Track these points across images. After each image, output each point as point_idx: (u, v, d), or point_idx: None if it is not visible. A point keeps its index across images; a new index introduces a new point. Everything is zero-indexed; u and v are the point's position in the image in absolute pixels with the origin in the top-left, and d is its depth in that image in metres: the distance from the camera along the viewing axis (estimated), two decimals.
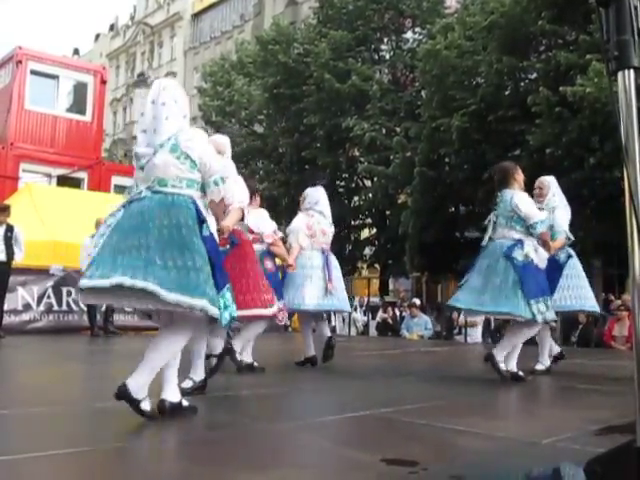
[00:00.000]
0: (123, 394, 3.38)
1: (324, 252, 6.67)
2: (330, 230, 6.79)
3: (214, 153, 3.72)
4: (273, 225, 6.20)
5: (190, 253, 3.36)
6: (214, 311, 3.35)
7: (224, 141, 4.99)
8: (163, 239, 3.37)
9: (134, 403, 3.39)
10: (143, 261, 3.33)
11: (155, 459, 2.85)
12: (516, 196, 5.46)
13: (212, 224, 3.72)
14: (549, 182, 6.25)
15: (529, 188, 5.90)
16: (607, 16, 1.96)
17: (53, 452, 2.80)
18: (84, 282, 3.42)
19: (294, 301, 6.36)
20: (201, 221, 3.49)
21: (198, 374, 4.28)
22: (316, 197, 6.81)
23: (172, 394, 3.55)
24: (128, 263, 3.34)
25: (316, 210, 6.69)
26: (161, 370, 3.52)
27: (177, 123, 3.63)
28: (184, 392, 3.85)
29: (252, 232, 5.92)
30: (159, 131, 3.59)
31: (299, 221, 6.61)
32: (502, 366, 5.34)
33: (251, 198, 6.00)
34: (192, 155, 3.56)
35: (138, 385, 3.39)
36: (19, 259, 9.72)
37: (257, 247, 5.92)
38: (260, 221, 6.05)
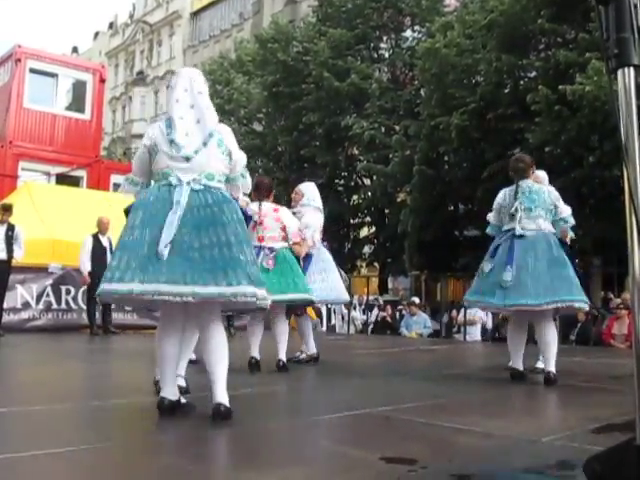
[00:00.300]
0: (229, 412, 3.39)
1: (326, 247, 6.91)
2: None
3: None
4: (297, 222, 6.25)
5: (251, 247, 3.51)
6: (267, 302, 3.47)
7: None
8: (238, 234, 3.40)
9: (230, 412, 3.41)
10: (231, 261, 3.33)
11: (155, 457, 2.85)
12: (553, 190, 5.54)
13: None
14: (544, 176, 6.12)
15: None
16: (607, 14, 1.96)
17: (52, 451, 2.80)
18: (190, 289, 3.25)
19: (321, 293, 6.48)
20: (245, 217, 3.63)
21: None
22: (313, 193, 6.83)
23: (174, 393, 3.54)
24: (217, 266, 3.31)
25: (315, 207, 6.72)
26: (164, 370, 3.50)
27: (215, 114, 3.65)
28: (183, 390, 3.85)
29: (284, 229, 6.00)
30: (204, 121, 3.56)
31: (315, 218, 6.61)
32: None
33: (267, 195, 6.07)
34: (232, 152, 3.61)
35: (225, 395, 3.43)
36: (19, 257, 9.74)
37: (285, 244, 6.00)
38: (291, 219, 6.15)
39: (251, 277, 3.33)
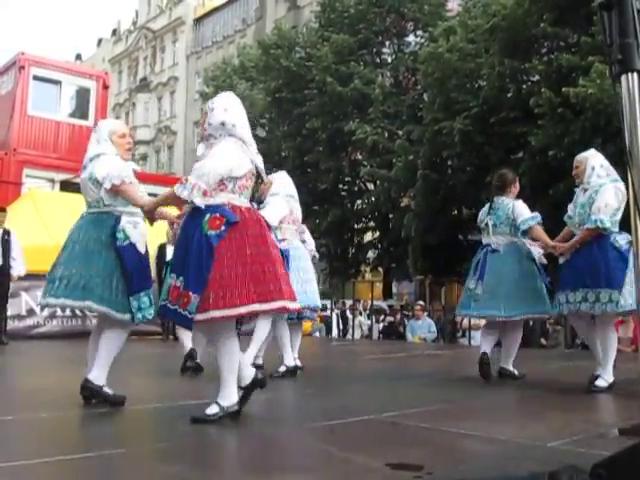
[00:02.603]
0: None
1: (304, 242, 6.22)
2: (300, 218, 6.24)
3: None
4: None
5: (112, 273, 4.10)
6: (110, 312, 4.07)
7: None
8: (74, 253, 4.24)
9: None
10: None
11: (160, 463, 2.84)
12: (517, 204, 5.69)
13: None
14: (584, 157, 5.46)
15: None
16: (610, 19, 1.96)
17: (58, 458, 2.81)
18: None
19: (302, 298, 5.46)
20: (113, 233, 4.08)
21: None
22: (285, 181, 6.15)
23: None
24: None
25: (286, 194, 6.02)
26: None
27: (92, 151, 4.24)
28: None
29: None
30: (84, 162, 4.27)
31: (282, 204, 5.87)
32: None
33: None
34: (97, 179, 4.09)
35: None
36: (22, 273, 9.46)
37: None
38: None
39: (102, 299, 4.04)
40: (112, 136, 4.29)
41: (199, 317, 3.44)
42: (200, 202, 3.51)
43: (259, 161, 3.75)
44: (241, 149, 3.66)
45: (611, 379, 5.09)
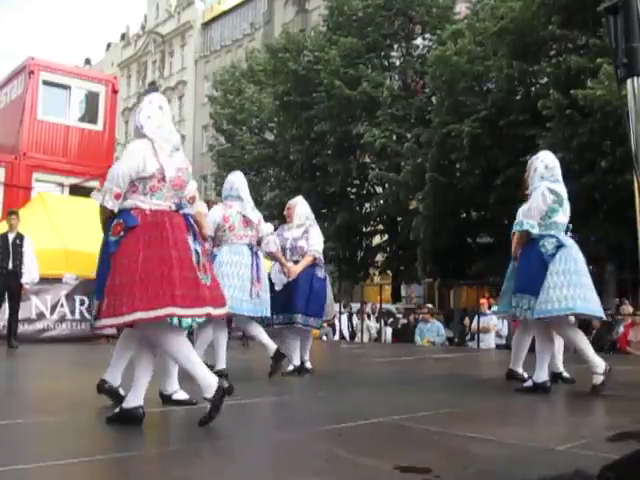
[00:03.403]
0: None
1: (252, 248, 5.79)
2: (255, 218, 5.85)
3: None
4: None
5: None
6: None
7: None
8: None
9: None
10: None
11: (167, 468, 2.85)
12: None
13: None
14: (530, 162, 5.45)
15: None
16: (615, 23, 1.97)
17: (67, 461, 2.81)
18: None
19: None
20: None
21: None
22: (231, 182, 5.92)
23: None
24: None
25: (233, 196, 5.83)
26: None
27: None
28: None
29: None
30: None
31: (215, 212, 5.75)
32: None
33: None
34: None
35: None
36: (36, 280, 9.54)
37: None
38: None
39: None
40: None
41: (97, 324, 3.47)
42: (113, 206, 3.57)
43: (170, 163, 3.62)
44: (148, 149, 3.60)
45: (541, 379, 5.09)
